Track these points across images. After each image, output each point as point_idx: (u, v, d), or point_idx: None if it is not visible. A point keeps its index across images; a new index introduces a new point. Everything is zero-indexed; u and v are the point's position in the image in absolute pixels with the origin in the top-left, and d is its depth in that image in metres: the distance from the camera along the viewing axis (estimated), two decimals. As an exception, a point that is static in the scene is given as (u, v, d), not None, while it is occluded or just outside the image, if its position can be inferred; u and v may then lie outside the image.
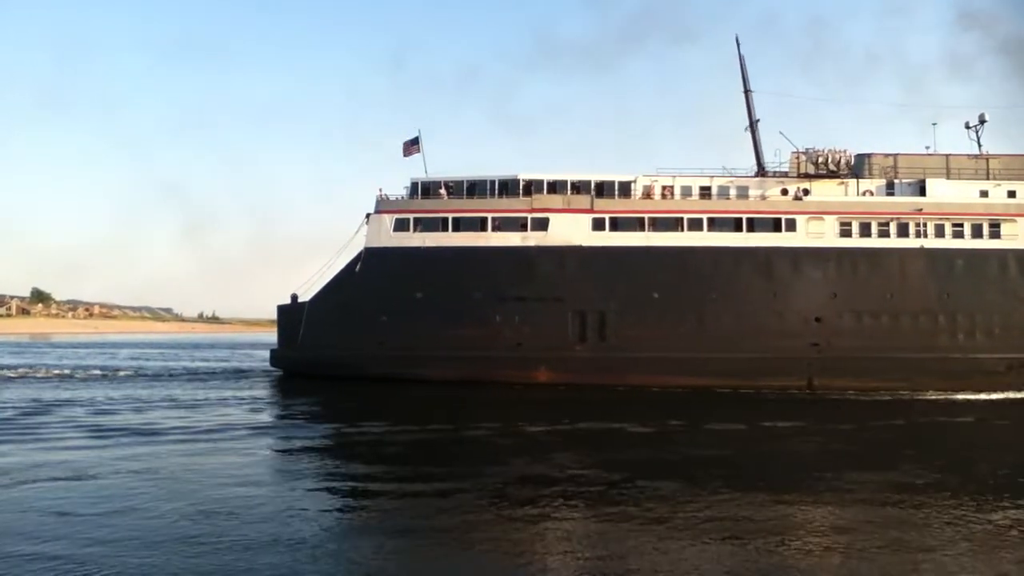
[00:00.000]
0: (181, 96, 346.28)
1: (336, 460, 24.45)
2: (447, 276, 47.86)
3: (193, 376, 53.01)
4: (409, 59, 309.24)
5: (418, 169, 52.05)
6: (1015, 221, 48.97)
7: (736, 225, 48.51)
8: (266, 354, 57.72)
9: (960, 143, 54.90)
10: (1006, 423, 38.63)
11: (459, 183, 50.23)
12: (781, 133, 66.48)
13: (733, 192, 50.05)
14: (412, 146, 52.62)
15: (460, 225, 48.80)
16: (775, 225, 48.58)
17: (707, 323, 47.20)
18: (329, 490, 20.28)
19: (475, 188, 49.88)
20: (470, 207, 49.10)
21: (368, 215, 50.40)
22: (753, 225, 48.53)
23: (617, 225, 48.48)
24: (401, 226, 49.25)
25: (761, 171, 52.67)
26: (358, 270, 49.11)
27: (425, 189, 50.30)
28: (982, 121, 54.34)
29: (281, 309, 53.26)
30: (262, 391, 44.47)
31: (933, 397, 44.78)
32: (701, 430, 32.49)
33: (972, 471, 24.04)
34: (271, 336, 61.33)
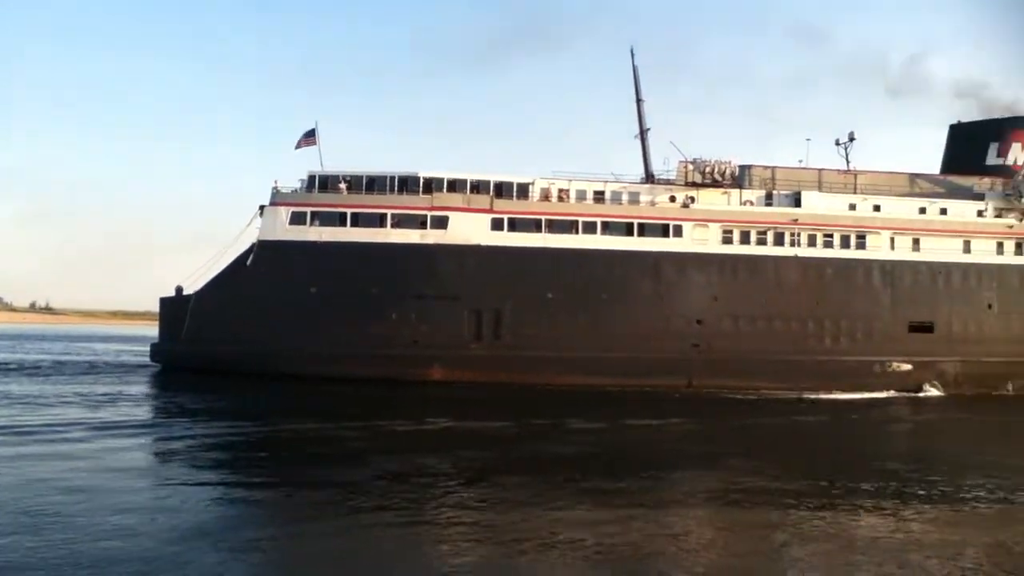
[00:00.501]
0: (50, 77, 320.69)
1: (213, 459, 23.83)
2: (344, 271, 47.57)
3: (57, 371, 50.04)
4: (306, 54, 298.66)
5: (313, 162, 51.39)
6: (879, 233, 52.99)
7: (628, 229, 50.40)
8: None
9: (832, 158, 58.95)
10: (855, 417, 42.25)
11: (358, 178, 49.83)
12: (671, 143, 69.07)
13: (625, 198, 51.91)
14: (308, 138, 51.88)
15: (359, 220, 48.49)
16: (663, 231, 50.76)
17: (599, 323, 48.83)
18: (199, 488, 19.58)
19: (374, 184, 49.64)
20: (370, 203, 48.83)
21: (262, 207, 49.39)
22: (643, 230, 50.53)
23: (515, 226, 49.44)
24: (297, 219, 48.51)
25: (650, 178, 54.85)
26: (250, 263, 48.12)
27: (323, 183, 49.64)
28: (851, 139, 58.58)
29: (164, 301, 51.54)
30: (139, 387, 42.52)
31: (805, 396, 48.13)
32: (563, 429, 33.20)
33: (802, 468, 25.86)
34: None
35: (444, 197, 49.17)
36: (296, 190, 50.45)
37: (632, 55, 57.57)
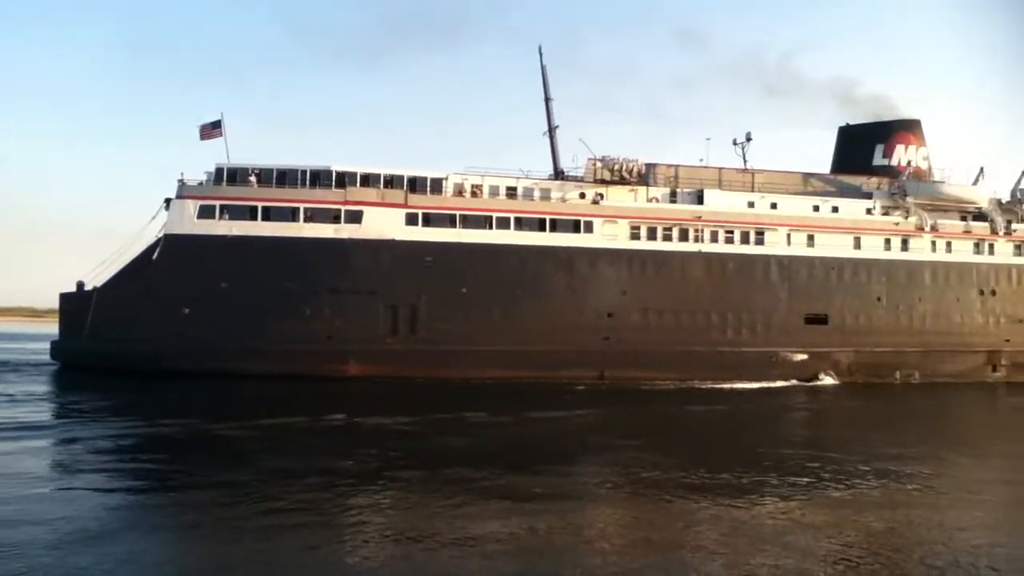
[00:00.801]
0: None
1: (101, 461, 22.82)
2: (256, 266, 46.62)
3: None
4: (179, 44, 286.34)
5: (219, 154, 50.32)
6: (776, 230, 55.42)
7: (540, 225, 51.21)
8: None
9: (730, 157, 61.39)
10: (758, 408, 43.90)
11: (268, 171, 48.96)
12: (580, 140, 70.77)
13: (537, 194, 52.71)
14: (213, 130, 50.68)
15: (270, 214, 47.67)
16: (575, 226, 51.80)
17: (513, 317, 49.44)
18: (85, 492, 18.86)
19: (285, 177, 48.91)
20: (281, 196, 48.05)
21: (168, 200, 47.98)
22: (555, 226, 51.44)
23: (430, 221, 49.55)
24: (206, 213, 47.29)
25: (559, 175, 55.85)
26: (156, 257, 46.74)
27: (231, 175, 48.53)
28: (748, 139, 61.16)
29: (64, 298, 49.49)
30: (35, 387, 40.47)
31: (708, 386, 50.02)
32: (467, 423, 33.11)
33: (700, 457, 26.54)
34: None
35: (358, 191, 48.87)
36: (202, 183, 49.23)
37: (540, 54, 58.58)
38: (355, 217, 48.54)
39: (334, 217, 48.40)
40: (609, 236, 52.13)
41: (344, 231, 48.30)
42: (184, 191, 47.85)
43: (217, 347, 44.83)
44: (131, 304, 45.98)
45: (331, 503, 18.28)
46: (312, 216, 48.17)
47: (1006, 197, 63.43)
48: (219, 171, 48.70)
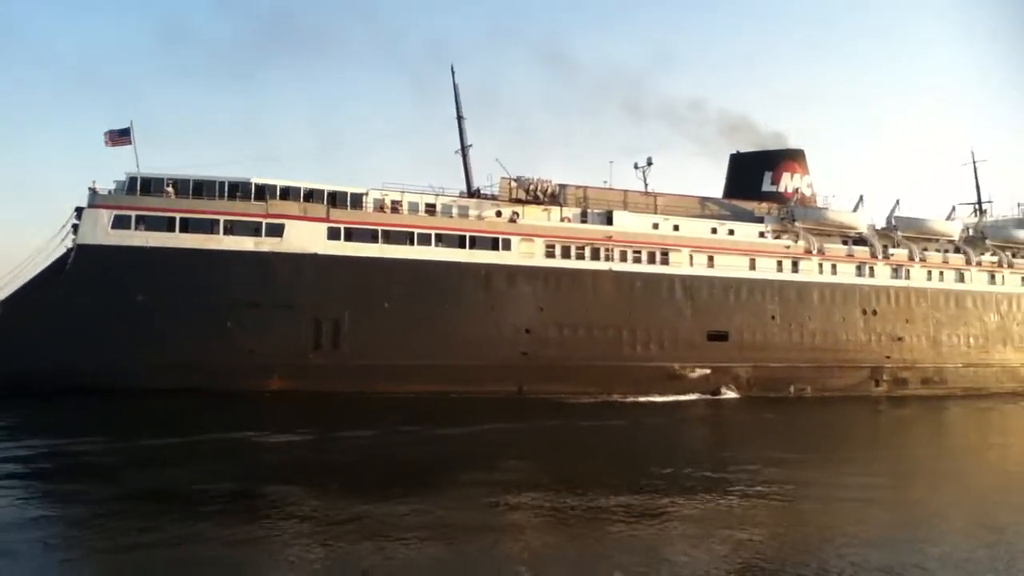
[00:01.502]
0: None
1: (27, 482, 22.80)
2: (174, 279, 45.45)
3: None
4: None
5: (128, 163, 48.83)
6: (680, 251, 58.12)
7: (461, 242, 52.01)
8: None
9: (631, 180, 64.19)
10: (659, 421, 46.08)
11: (184, 182, 47.85)
12: (497, 160, 71.99)
13: (455, 211, 53.53)
14: (121, 137, 49.23)
15: (189, 226, 46.59)
16: (493, 244, 52.86)
17: (434, 332, 49.84)
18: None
19: (202, 188, 47.95)
20: (201, 208, 47.05)
21: (79, 210, 46.22)
22: (475, 243, 52.37)
23: (352, 236, 49.52)
24: (121, 223, 45.70)
25: (471, 193, 56.96)
26: (67, 270, 44.87)
27: (145, 185, 47.15)
28: (649, 163, 64.10)
29: (-41, 311, 46.68)
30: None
31: (620, 399, 51.84)
32: (327, 438, 33.26)
33: (582, 469, 28.24)
34: None
35: (280, 205, 48.40)
36: (111, 192, 47.65)
37: (452, 73, 59.78)
38: (277, 230, 48.01)
39: (255, 230, 47.69)
40: (526, 254, 53.48)
41: (265, 244, 47.68)
42: (97, 200, 46.17)
43: (134, 362, 43.23)
44: (38, 319, 43.80)
45: (194, 522, 18.52)
46: (232, 228, 47.35)
47: (881, 223, 68.69)
48: (132, 180, 47.17)
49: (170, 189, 47.10)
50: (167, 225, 46.30)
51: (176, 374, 42.84)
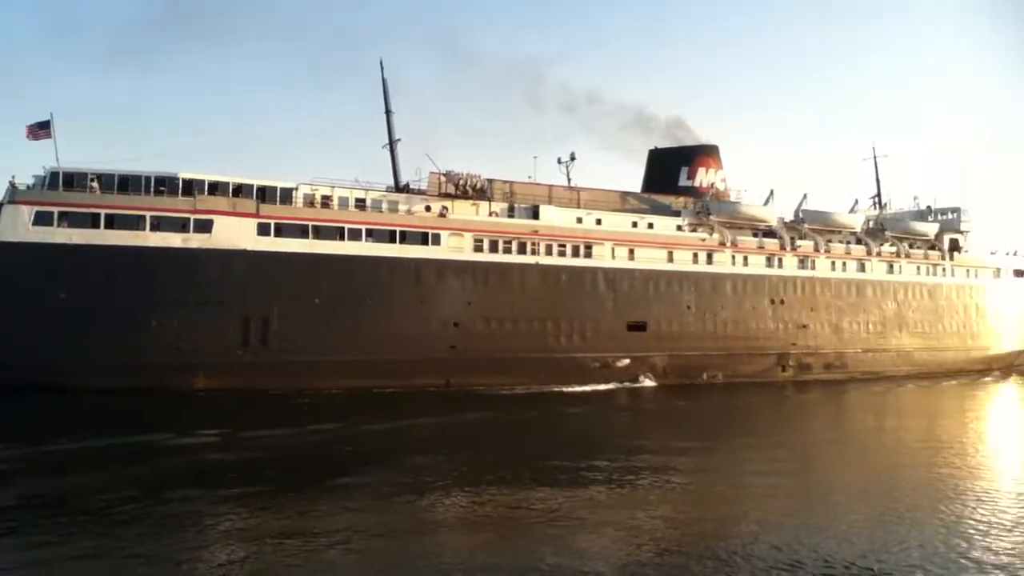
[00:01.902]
0: None
1: None
2: (99, 276, 44.60)
3: None
4: None
5: (48, 157, 47.47)
6: (603, 244, 59.81)
7: (391, 237, 52.42)
8: None
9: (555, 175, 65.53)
10: (579, 411, 47.51)
11: (109, 176, 46.80)
12: (427, 155, 72.38)
13: (385, 206, 53.87)
14: (41, 130, 47.91)
15: (114, 222, 45.72)
16: (423, 239, 53.44)
17: (364, 328, 50.28)
18: None
19: (128, 183, 47.01)
20: (126, 204, 46.14)
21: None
22: (405, 237, 52.85)
23: (282, 231, 49.40)
24: (43, 220, 44.52)
25: (398, 187, 57.28)
26: None
27: (68, 180, 45.98)
28: (572, 158, 65.57)
29: None
30: None
31: (546, 390, 53.33)
32: (240, 439, 32.93)
33: (489, 461, 28.83)
34: None
35: (208, 200, 47.85)
36: (30, 186, 46.30)
37: (381, 67, 59.76)
38: (205, 226, 47.48)
39: (182, 226, 47.09)
40: (455, 248, 54.25)
41: (193, 240, 47.15)
42: (17, 196, 44.82)
43: (57, 361, 42.43)
44: None
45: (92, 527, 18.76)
46: (159, 224, 46.64)
47: (790, 216, 71.87)
48: (54, 175, 45.95)
49: (94, 184, 46.05)
50: (91, 221, 45.35)
51: (101, 373, 42.32)
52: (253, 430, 34.54)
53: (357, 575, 16.56)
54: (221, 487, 23.15)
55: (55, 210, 44.95)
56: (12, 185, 45.29)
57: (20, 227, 44.21)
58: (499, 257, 55.78)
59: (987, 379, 73.86)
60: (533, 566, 16.23)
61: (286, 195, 50.77)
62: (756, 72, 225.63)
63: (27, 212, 44.49)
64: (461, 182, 55.57)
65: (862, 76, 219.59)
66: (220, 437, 32.60)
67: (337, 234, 50.95)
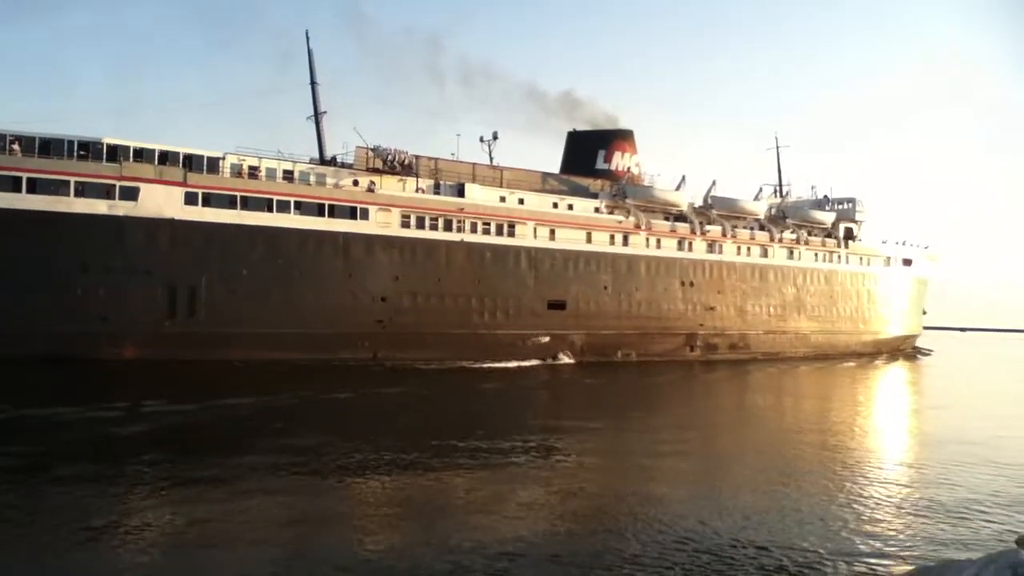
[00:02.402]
0: None
1: None
2: (20, 243, 43.32)
3: None
4: None
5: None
6: (525, 224, 61.25)
7: (320, 210, 52.45)
8: None
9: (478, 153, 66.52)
10: (495, 387, 46.93)
11: (30, 139, 45.39)
12: (355, 129, 71.93)
13: (313, 178, 53.81)
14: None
15: (36, 187, 44.40)
16: (352, 213, 53.66)
17: (292, 300, 50.32)
18: None
19: (50, 147, 45.66)
20: (50, 168, 44.83)
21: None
22: (334, 211, 52.95)
23: (209, 201, 48.80)
24: (-42, 182, 43.02)
25: (323, 160, 57.23)
26: None
27: (-14, 142, 44.48)
28: (495, 137, 66.71)
29: None
30: None
31: (469, 365, 54.52)
32: (138, 414, 30.94)
33: (384, 439, 27.59)
34: None
35: (134, 167, 46.88)
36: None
37: (307, 39, 59.55)
38: (131, 194, 46.55)
39: (107, 192, 46.07)
40: (383, 223, 54.66)
41: (119, 208, 46.18)
42: (-69, 157, 43.06)
43: None
44: None
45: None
46: (83, 191, 45.51)
47: (699, 202, 74.83)
48: (-30, 137, 44.34)
49: (16, 147, 44.53)
50: (12, 185, 43.90)
51: (23, 342, 41.29)
52: (158, 403, 32.90)
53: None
54: (112, 464, 21.96)
55: (-28, 172, 43.36)
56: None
57: (-67, 189, 42.49)
58: (426, 234, 56.48)
59: (877, 362, 78.89)
60: (416, 550, 15.57)
61: (213, 164, 50.17)
62: (659, 53, 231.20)
63: (-59, 174, 42.80)
64: (389, 157, 55.92)
65: (768, 65, 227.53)
66: (120, 412, 30.52)
67: (265, 205, 50.68)
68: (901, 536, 17.36)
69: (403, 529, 17.34)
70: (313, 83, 58.87)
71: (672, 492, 21.53)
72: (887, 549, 16.33)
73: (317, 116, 58.61)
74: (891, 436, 35.49)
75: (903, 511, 19.58)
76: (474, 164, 63.29)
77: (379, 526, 17.61)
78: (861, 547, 16.38)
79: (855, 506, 19.76)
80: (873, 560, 15.53)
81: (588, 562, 15.03)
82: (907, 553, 16.04)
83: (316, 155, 57.96)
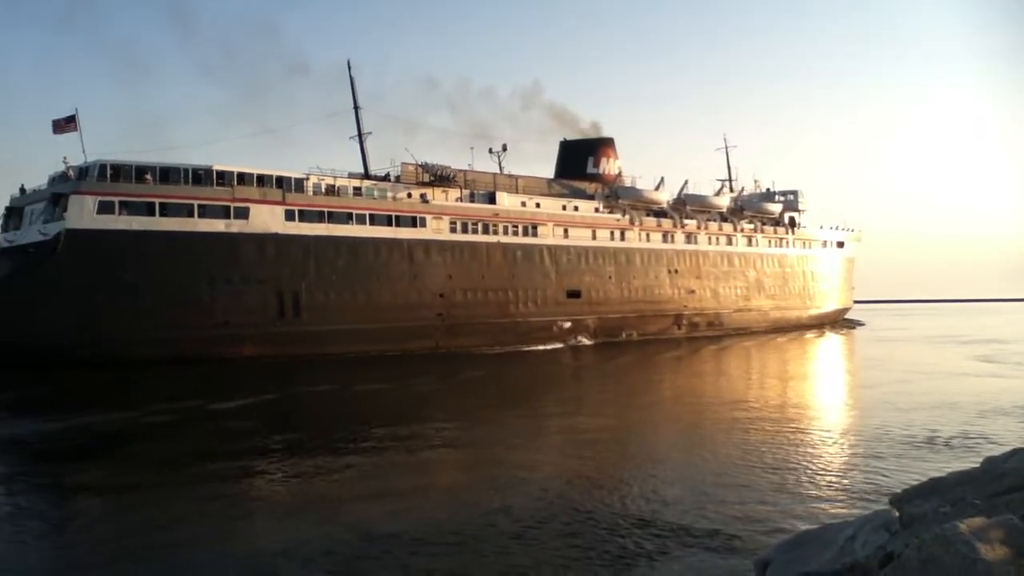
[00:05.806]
0: None
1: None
2: (158, 259, 49.71)
3: None
4: None
5: (73, 150, 51.54)
6: (545, 224, 70.25)
7: (388, 221, 60.21)
8: None
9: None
10: (524, 369, 57.66)
11: (153, 168, 51.71)
12: (406, 149, 79.05)
13: (376, 193, 61.43)
14: (67, 124, 51.99)
15: (167, 210, 50.81)
16: (412, 222, 61.58)
17: (372, 299, 58.02)
18: None
19: (168, 175, 52.06)
20: (177, 193, 51.28)
21: (57, 195, 48.84)
22: (399, 221, 60.79)
23: (303, 216, 56.01)
24: (105, 208, 48.88)
25: (367, 176, 64.75)
26: (59, 251, 47.57)
27: (115, 172, 50.45)
28: (504, 148, 75.40)
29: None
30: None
31: (510, 349, 62.92)
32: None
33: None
34: None
35: (244, 190, 53.71)
36: (71, 178, 50.36)
37: (349, 67, 66.84)
38: (243, 213, 53.35)
39: (224, 213, 52.77)
40: (436, 230, 62.75)
41: (234, 226, 52.95)
42: (82, 186, 48.83)
43: (127, 336, 47.47)
44: (30, 298, 46.51)
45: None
46: (204, 212, 52.09)
47: (674, 199, 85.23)
48: (102, 168, 50.13)
49: (148, 176, 50.77)
50: (147, 210, 50.24)
51: (164, 346, 47.77)
52: (327, 385, 40.32)
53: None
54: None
55: (116, 200, 49.38)
56: (69, 178, 49.35)
57: (86, 215, 48.42)
58: (470, 237, 64.82)
59: (826, 333, 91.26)
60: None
61: (299, 184, 57.20)
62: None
63: (91, 202, 48.73)
64: (438, 172, 64.05)
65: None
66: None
67: (346, 218, 58.16)
68: (783, 498, 17.11)
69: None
70: (356, 108, 66.23)
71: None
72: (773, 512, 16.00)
73: (360, 137, 66.02)
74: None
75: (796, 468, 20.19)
76: (495, 174, 71.82)
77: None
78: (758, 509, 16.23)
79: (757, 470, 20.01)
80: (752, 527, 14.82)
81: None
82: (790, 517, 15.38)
83: (357, 170, 65.40)
